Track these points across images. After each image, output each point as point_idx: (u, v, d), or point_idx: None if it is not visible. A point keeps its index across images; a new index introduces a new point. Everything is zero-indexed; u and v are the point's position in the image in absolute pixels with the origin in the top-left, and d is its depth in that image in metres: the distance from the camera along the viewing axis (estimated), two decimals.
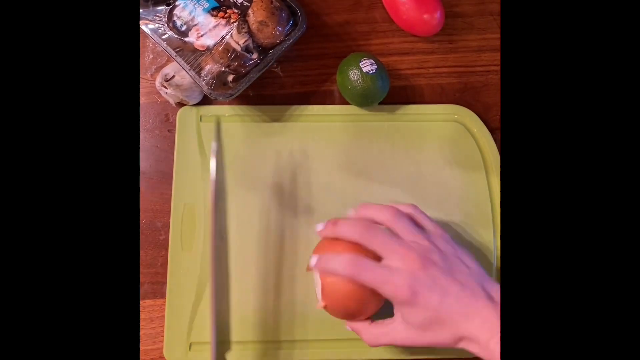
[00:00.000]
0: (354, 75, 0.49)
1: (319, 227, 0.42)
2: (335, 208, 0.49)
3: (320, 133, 0.52)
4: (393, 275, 0.38)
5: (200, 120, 0.51)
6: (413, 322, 0.38)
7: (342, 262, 0.39)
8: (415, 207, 0.43)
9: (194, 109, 0.52)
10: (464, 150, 0.52)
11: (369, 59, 0.50)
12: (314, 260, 0.41)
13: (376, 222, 0.42)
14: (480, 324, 0.36)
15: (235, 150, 0.51)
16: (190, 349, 0.45)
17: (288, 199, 0.49)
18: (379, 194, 0.50)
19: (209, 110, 0.52)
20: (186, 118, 0.51)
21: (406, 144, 0.52)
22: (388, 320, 0.40)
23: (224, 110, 0.52)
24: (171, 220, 0.48)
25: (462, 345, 0.37)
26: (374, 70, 0.50)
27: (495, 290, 0.38)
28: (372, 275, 0.38)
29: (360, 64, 0.50)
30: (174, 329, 0.45)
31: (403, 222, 0.41)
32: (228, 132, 0.51)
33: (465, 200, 0.50)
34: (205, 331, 0.45)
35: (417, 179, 0.50)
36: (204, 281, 0.46)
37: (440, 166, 0.51)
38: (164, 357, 0.45)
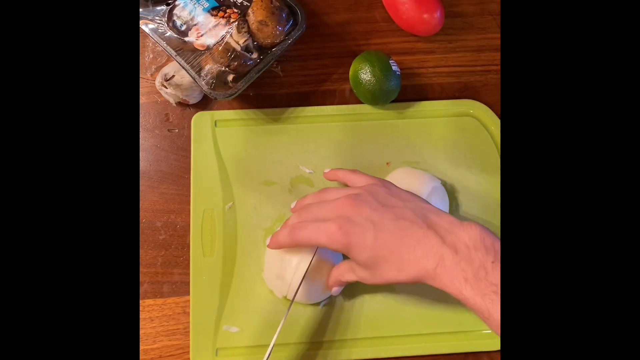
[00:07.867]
0: (375, 72, 0.49)
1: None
2: None
3: (331, 132, 0.52)
4: (325, 224, 0.38)
5: (216, 125, 0.51)
6: (359, 263, 0.39)
7: (283, 233, 0.41)
8: (353, 171, 0.45)
9: (208, 114, 0.51)
10: (478, 144, 0.52)
11: (390, 58, 0.51)
12: (267, 240, 0.43)
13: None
14: (424, 254, 0.36)
15: (247, 152, 0.51)
16: (217, 354, 0.45)
17: (296, 196, 0.50)
18: None
19: (222, 115, 0.52)
20: (201, 124, 0.51)
21: (418, 140, 0.52)
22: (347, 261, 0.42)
23: (239, 115, 0.52)
24: (191, 226, 0.48)
25: (421, 280, 0.36)
26: (399, 70, 0.51)
27: (441, 218, 0.37)
28: (306, 232, 0.39)
29: (390, 62, 0.50)
30: (200, 335, 0.45)
31: (328, 189, 0.43)
32: (237, 134, 0.51)
33: (481, 197, 0.51)
34: (232, 336, 0.45)
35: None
36: (227, 285, 0.46)
37: (453, 161, 0.52)
38: (163, 357, 0.45)
